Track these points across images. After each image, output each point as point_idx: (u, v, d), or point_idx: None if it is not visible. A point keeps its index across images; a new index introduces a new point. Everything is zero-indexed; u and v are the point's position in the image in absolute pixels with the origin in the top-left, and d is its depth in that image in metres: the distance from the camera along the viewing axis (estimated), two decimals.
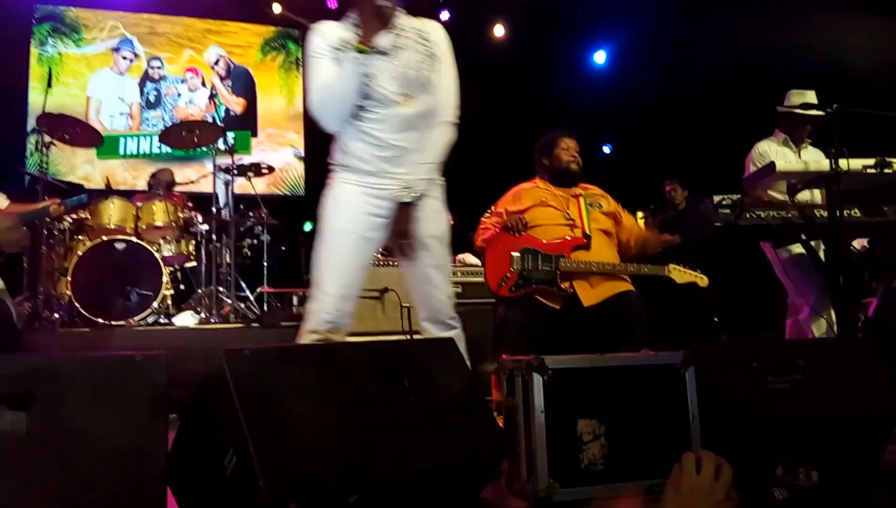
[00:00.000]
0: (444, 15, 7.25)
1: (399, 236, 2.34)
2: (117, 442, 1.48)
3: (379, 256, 4.76)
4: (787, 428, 2.03)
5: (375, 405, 1.70)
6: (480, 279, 4.50)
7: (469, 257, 4.68)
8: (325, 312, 2.26)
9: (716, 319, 5.18)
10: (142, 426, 1.52)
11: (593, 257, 3.10)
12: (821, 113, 3.56)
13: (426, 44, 2.35)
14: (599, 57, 7.81)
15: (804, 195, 3.42)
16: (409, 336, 4.12)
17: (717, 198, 3.10)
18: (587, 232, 3.16)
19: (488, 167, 6.17)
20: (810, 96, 3.90)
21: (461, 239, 4.92)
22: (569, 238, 3.13)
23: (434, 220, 2.38)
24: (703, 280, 3.15)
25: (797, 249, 3.57)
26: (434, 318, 2.40)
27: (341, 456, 1.57)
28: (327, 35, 2.31)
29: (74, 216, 4.44)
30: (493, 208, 3.38)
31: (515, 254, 3.10)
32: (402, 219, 2.32)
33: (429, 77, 2.33)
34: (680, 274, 3.15)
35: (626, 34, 6.98)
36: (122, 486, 1.46)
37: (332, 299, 2.27)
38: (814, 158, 3.83)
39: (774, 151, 3.90)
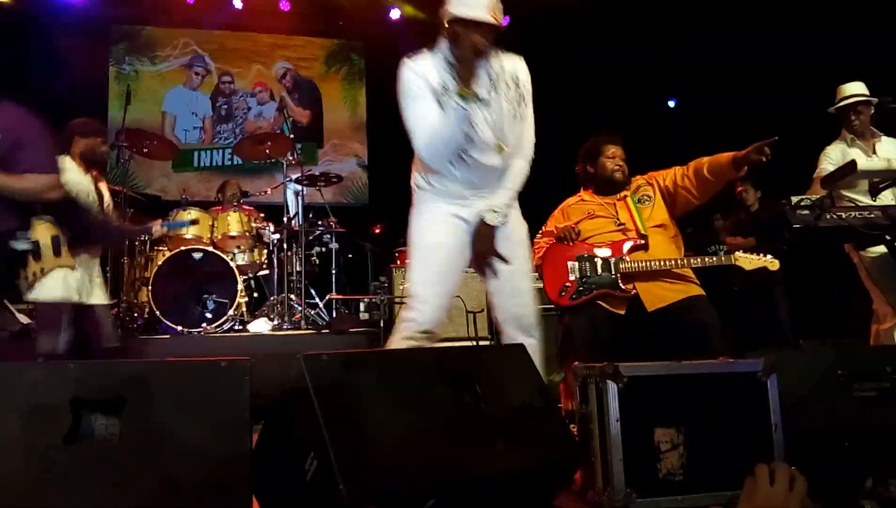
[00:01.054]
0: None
1: (483, 254, 2.42)
2: (204, 446, 1.53)
3: None
4: (876, 438, 1.94)
5: (449, 410, 1.72)
6: (542, 285, 4.48)
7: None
8: (422, 321, 2.37)
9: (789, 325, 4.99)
10: (227, 430, 1.57)
11: (653, 257, 3.02)
12: (870, 99, 3.49)
13: (517, 89, 2.40)
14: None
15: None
16: (475, 342, 4.14)
17: (794, 199, 2.99)
18: (642, 232, 3.09)
19: (541, 182, 6.14)
20: (856, 87, 3.77)
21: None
22: (623, 240, 3.07)
23: (516, 232, 2.49)
24: (773, 264, 2.98)
25: (880, 251, 3.41)
26: (521, 326, 2.46)
27: (417, 461, 1.59)
28: (425, 74, 2.33)
29: None
30: (543, 228, 3.35)
31: (571, 263, 3.07)
32: (484, 238, 2.41)
33: (521, 124, 2.41)
34: (748, 261, 3.00)
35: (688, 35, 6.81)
36: (210, 489, 1.51)
37: (428, 308, 2.38)
38: (893, 154, 3.67)
39: (843, 154, 3.76)
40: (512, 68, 2.40)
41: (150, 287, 4.20)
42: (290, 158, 5.19)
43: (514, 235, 2.49)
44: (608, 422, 1.85)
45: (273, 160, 5.20)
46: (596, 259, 3.05)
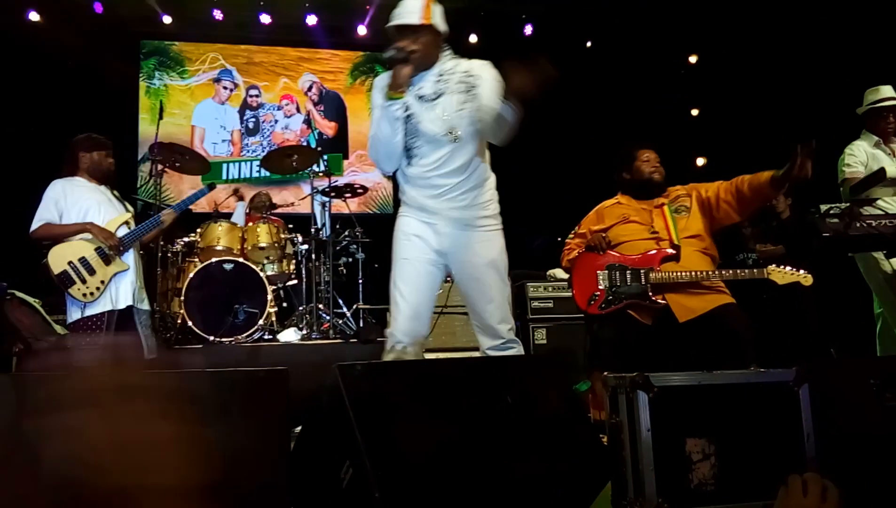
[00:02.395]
0: (528, 29, 7.31)
1: (455, 263, 2.55)
2: (244, 453, 1.58)
3: None
4: None
5: (480, 420, 1.74)
6: (570, 294, 4.49)
7: (559, 272, 4.66)
8: (395, 333, 2.46)
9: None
10: (266, 438, 1.61)
11: (684, 268, 3.01)
12: None
13: (469, 80, 2.49)
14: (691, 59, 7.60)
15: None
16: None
17: (823, 207, 2.96)
18: (675, 243, 3.07)
19: (575, 185, 6.15)
20: (886, 91, 3.75)
21: (550, 255, 4.93)
22: (655, 251, 3.06)
23: (484, 254, 2.53)
24: (807, 279, 2.94)
25: None
26: (492, 335, 2.52)
27: (449, 470, 1.62)
28: (379, 86, 2.52)
29: (186, 239, 4.74)
30: (576, 228, 3.36)
31: (601, 272, 3.07)
32: (456, 247, 2.52)
33: (473, 114, 2.46)
34: (781, 275, 2.96)
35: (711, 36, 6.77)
36: (249, 496, 1.55)
37: (401, 321, 2.46)
38: None
39: (866, 154, 3.73)
40: (468, 67, 2.52)
41: (182, 298, 4.28)
42: (317, 169, 5.27)
43: (479, 257, 2.54)
44: (639, 432, 1.86)
45: (300, 172, 5.28)
46: (626, 269, 3.04)
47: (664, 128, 6.43)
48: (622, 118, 6.64)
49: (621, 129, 6.42)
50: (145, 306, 3.64)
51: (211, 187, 4.05)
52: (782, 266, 2.98)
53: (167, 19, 6.91)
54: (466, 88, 2.47)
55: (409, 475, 1.55)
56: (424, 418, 1.68)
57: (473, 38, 7.15)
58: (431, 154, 2.48)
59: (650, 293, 2.97)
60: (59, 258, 3.39)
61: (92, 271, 3.40)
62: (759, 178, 2.96)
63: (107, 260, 3.44)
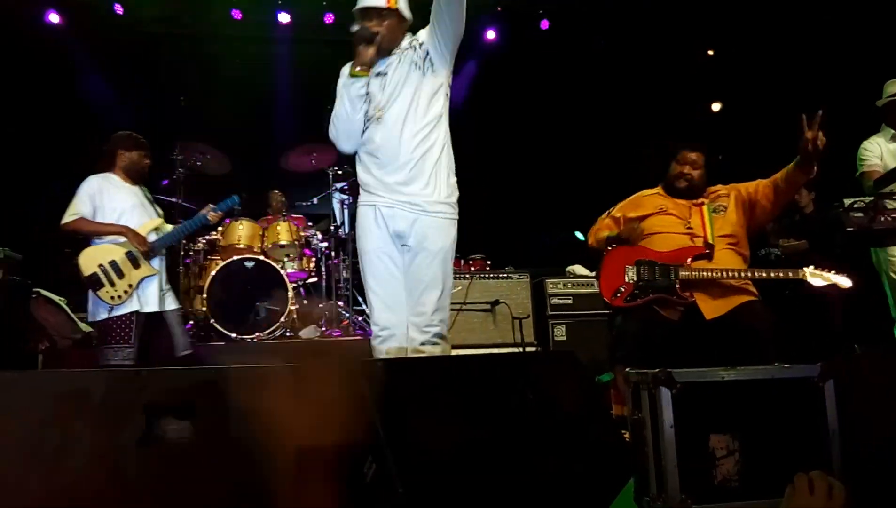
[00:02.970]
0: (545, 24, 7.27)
1: (404, 245, 2.56)
2: (266, 454, 1.59)
3: (488, 268, 4.84)
4: None
5: (501, 416, 1.75)
6: (591, 290, 4.48)
7: (579, 269, 4.66)
8: (374, 325, 2.51)
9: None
10: None
11: (716, 266, 2.98)
12: None
13: (415, 46, 2.57)
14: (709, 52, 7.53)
15: None
16: (521, 348, 4.15)
17: (847, 201, 2.92)
18: (709, 241, 3.04)
19: (590, 180, 6.13)
20: None
21: (571, 250, 4.92)
22: (687, 247, 3.04)
23: (432, 242, 2.53)
24: (844, 283, 2.87)
25: None
26: (419, 327, 2.51)
27: (471, 466, 1.63)
28: (345, 71, 2.61)
29: (208, 238, 4.79)
30: (610, 210, 3.32)
31: (630, 266, 3.05)
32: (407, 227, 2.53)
33: (418, 72, 2.54)
34: (818, 277, 2.87)
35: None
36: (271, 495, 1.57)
37: (376, 313, 2.52)
38: None
39: (881, 149, 3.69)
40: (417, 39, 2.61)
41: (205, 295, 4.33)
42: (336, 168, 5.30)
43: (428, 244, 2.53)
44: (662, 428, 1.85)
45: (319, 170, 5.32)
46: (655, 264, 3.01)
47: (685, 123, 6.39)
48: (638, 114, 6.59)
49: (638, 125, 6.38)
50: (174, 304, 3.68)
51: (241, 198, 4.12)
52: (820, 268, 2.89)
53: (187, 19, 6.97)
54: (413, 50, 2.58)
55: (431, 471, 1.56)
56: (446, 414, 1.68)
57: (491, 35, 7.13)
58: (377, 126, 2.55)
59: (678, 289, 2.94)
60: (89, 260, 3.45)
61: (121, 275, 3.45)
62: (789, 167, 2.94)
63: (136, 264, 3.49)
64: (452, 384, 1.76)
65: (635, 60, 6.83)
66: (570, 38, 7.01)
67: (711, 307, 2.91)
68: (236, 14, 6.71)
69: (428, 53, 2.54)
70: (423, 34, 2.59)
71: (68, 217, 3.50)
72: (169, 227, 3.76)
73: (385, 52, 2.56)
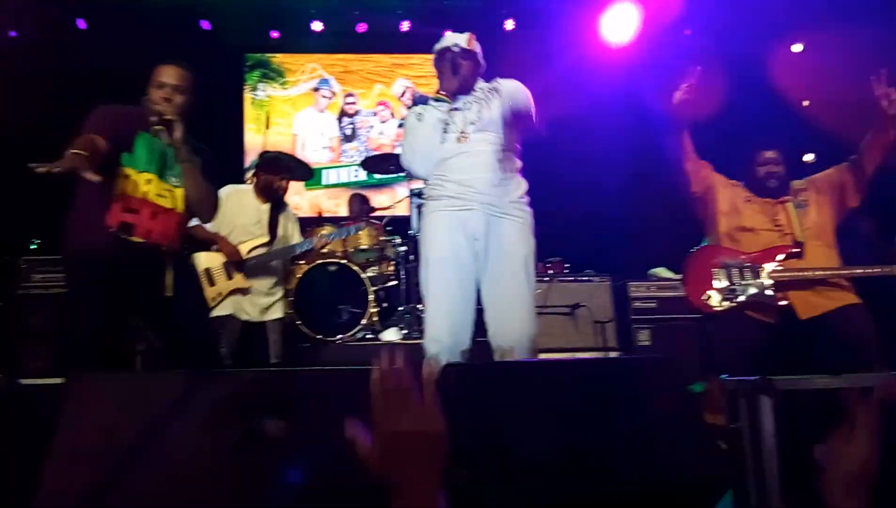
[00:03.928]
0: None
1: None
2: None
3: (567, 271, 4.79)
4: None
5: (590, 423, 1.72)
6: (676, 294, 4.36)
7: (662, 271, 4.54)
8: (436, 339, 2.47)
9: None
10: None
11: (808, 265, 2.85)
12: None
13: (495, 90, 2.76)
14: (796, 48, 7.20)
15: None
16: (603, 353, 4.09)
17: None
18: (798, 239, 2.92)
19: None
20: None
21: (655, 252, 4.80)
22: (777, 247, 2.92)
23: (513, 244, 2.56)
24: None
25: None
26: (505, 342, 2.46)
27: (560, 473, 1.61)
28: (415, 110, 2.85)
29: None
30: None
31: (717, 269, 2.96)
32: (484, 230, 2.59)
33: (497, 113, 2.70)
34: None
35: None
36: (374, 494, 1.60)
37: (438, 324, 2.52)
38: None
39: None
40: (497, 85, 2.80)
41: (291, 298, 4.47)
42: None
43: (508, 251, 2.55)
44: (762, 439, 1.79)
45: (398, 175, 5.40)
46: (744, 265, 2.92)
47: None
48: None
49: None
50: (277, 314, 3.85)
51: (358, 229, 4.59)
52: None
53: (274, 34, 7.24)
54: (492, 92, 2.77)
55: (524, 477, 1.56)
56: (538, 419, 1.68)
57: (510, 25, 7.07)
58: (459, 151, 2.68)
59: (770, 291, 2.84)
60: (197, 264, 3.66)
61: (212, 283, 3.64)
62: (867, 137, 2.90)
63: (229, 275, 3.67)
64: (541, 389, 1.75)
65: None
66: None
67: (806, 306, 2.80)
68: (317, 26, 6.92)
69: (498, 97, 2.76)
70: (505, 87, 2.77)
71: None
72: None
73: (464, 89, 2.76)
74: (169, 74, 2.63)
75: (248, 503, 1.55)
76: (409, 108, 2.98)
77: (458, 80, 2.72)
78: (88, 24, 6.63)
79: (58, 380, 1.77)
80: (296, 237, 4.30)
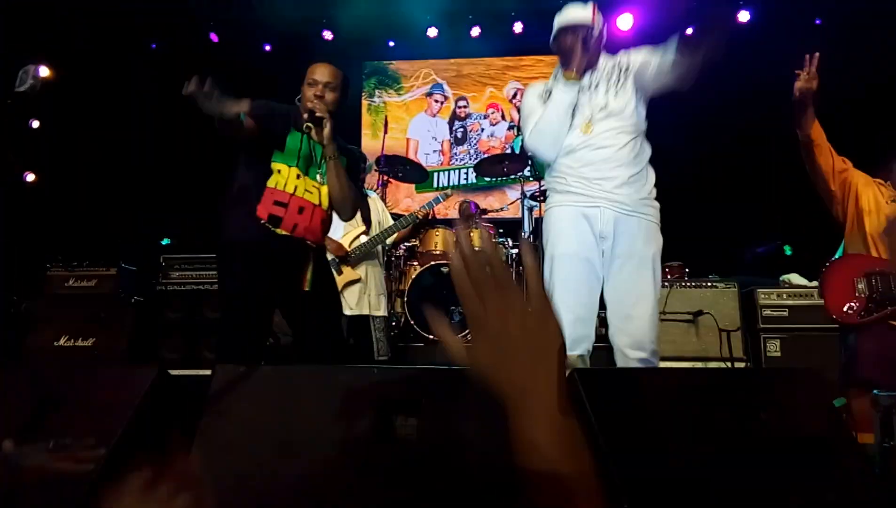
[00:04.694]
0: (744, 15, 6.75)
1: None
2: (493, 452, 1.61)
3: (687, 275, 4.58)
4: None
5: (728, 435, 1.63)
6: (810, 302, 4.06)
7: (795, 278, 4.26)
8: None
9: None
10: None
11: None
12: None
13: (625, 69, 2.63)
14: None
15: None
16: (729, 363, 3.88)
17: None
18: None
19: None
20: None
21: (780, 261, 4.51)
22: None
23: (640, 248, 2.46)
24: None
25: None
26: (628, 342, 2.38)
27: (696, 484, 1.53)
28: (538, 89, 2.75)
29: (407, 244, 5.06)
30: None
31: (859, 278, 2.75)
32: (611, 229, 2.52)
33: (631, 95, 2.59)
34: None
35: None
36: (498, 495, 1.59)
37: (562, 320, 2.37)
38: None
39: None
40: (625, 60, 2.66)
41: (405, 299, 4.56)
42: (527, 174, 5.34)
43: (635, 250, 2.44)
44: None
45: (508, 178, 5.39)
46: (889, 273, 2.70)
47: None
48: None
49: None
50: (381, 312, 3.93)
51: (446, 196, 4.56)
52: None
53: (391, 42, 7.45)
54: (620, 70, 2.65)
55: (657, 487, 1.50)
56: (668, 427, 1.61)
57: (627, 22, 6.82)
58: (585, 138, 2.59)
59: None
60: None
61: None
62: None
63: (338, 270, 3.78)
64: (675, 397, 1.68)
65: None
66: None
67: None
68: (432, 32, 7.05)
69: (631, 74, 2.62)
70: (635, 56, 2.65)
71: None
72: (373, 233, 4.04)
73: (590, 64, 2.64)
74: (321, 72, 2.72)
75: (380, 497, 1.58)
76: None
77: (585, 58, 2.58)
78: (220, 38, 7.09)
79: (201, 371, 1.87)
80: (389, 220, 4.35)
